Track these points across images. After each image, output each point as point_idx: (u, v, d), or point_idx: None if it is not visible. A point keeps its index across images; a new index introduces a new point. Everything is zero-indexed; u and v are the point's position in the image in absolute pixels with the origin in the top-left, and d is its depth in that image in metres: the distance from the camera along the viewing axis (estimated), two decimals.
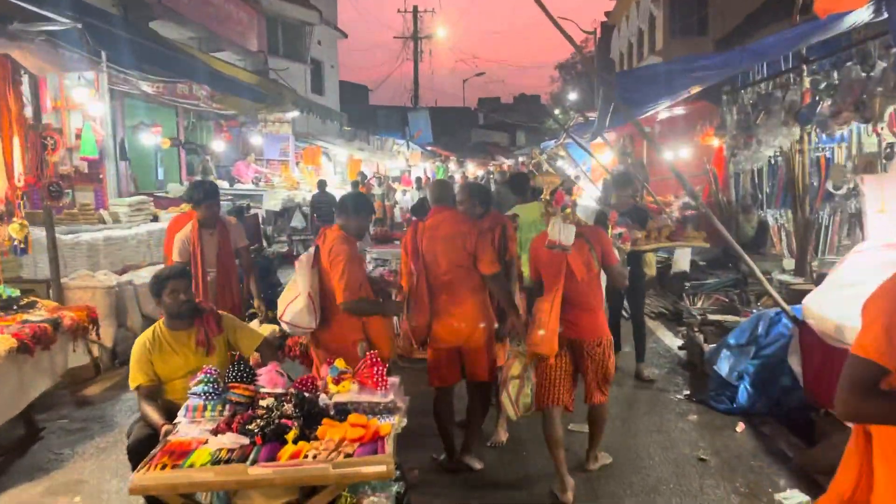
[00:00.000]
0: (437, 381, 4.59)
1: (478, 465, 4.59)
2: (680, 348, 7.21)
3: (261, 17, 18.42)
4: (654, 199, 10.10)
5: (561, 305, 4.17)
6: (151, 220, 9.66)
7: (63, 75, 9.41)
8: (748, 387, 5.36)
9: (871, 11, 4.83)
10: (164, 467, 2.90)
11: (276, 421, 3.15)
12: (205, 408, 3.43)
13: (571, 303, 4.24)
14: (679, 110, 12.02)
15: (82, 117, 9.63)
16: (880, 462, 1.97)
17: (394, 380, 3.61)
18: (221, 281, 5.37)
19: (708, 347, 6.23)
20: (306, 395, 3.39)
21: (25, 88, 6.15)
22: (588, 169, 17.03)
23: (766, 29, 13.49)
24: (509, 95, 61.61)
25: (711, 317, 6.79)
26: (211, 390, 3.42)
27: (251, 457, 2.94)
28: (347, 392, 3.44)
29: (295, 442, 3.05)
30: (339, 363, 3.57)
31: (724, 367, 5.57)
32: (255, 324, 4.87)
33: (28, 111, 6.12)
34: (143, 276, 7.83)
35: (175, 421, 3.42)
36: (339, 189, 16.49)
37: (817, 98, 7.11)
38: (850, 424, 2.17)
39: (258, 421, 3.17)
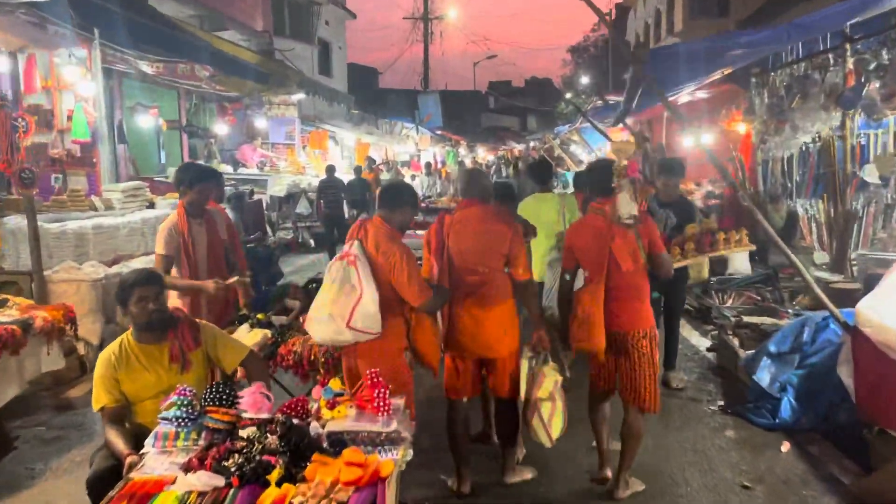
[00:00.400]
0: (453, 392, 4.13)
1: (528, 475, 4.20)
2: (709, 350, 6.69)
3: None
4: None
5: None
6: (147, 207, 9.17)
7: (52, 53, 8.91)
8: (792, 400, 4.83)
9: None
10: None
11: (258, 457, 2.65)
12: (177, 436, 2.93)
13: (614, 294, 3.91)
14: (702, 94, 11.40)
15: (74, 98, 9.12)
16: None
17: (398, 403, 3.11)
18: (214, 279, 4.85)
19: (743, 353, 5.70)
20: (295, 422, 2.89)
21: None
22: (603, 155, 16.48)
23: (795, 10, 12.84)
24: (520, 79, 60.70)
25: (746, 318, 6.25)
26: (184, 415, 2.93)
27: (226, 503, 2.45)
28: (343, 419, 2.94)
29: (279, 484, 2.55)
30: (335, 384, 3.07)
31: (764, 376, 5.04)
32: (244, 329, 4.37)
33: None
34: (136, 267, 7.37)
35: (142, 451, 2.93)
36: (346, 174, 15.94)
37: (863, 79, 6.55)
38: None
39: (236, 456, 2.68)
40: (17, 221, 6.84)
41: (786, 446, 4.56)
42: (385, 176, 20.44)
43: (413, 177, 22.94)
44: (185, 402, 2.96)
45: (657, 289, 5.16)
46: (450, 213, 4.13)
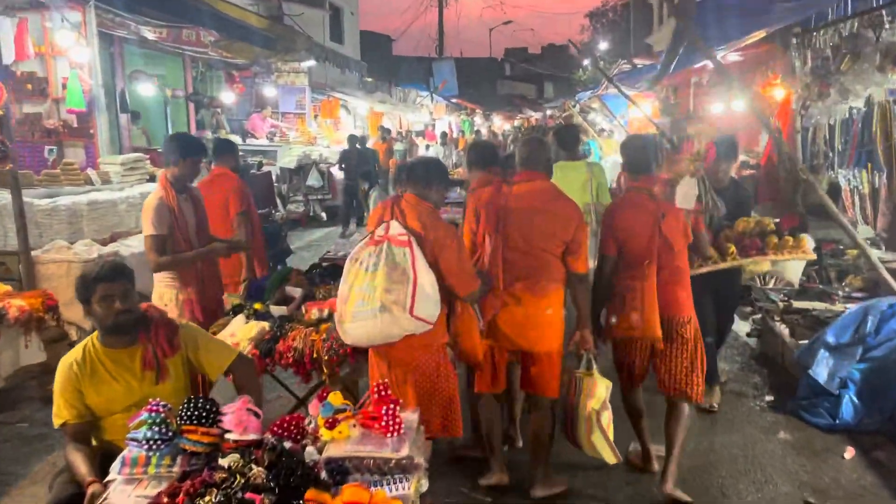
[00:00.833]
0: (486, 386, 3.71)
1: (560, 488, 3.74)
2: (749, 335, 6.15)
3: None
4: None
5: None
6: (147, 181, 8.68)
7: (44, 16, 8.38)
8: (854, 398, 4.31)
9: None
10: None
11: (239, 494, 2.17)
12: (147, 461, 2.45)
13: (661, 277, 3.63)
14: (734, 56, 10.69)
15: (69, 64, 8.59)
16: None
17: (410, 419, 2.62)
18: (203, 267, 4.36)
19: (794, 342, 5.16)
20: (288, 445, 2.41)
21: None
22: (625, 123, 15.79)
23: None
24: (537, 45, 59.45)
25: (797, 303, 5.68)
26: (157, 436, 2.44)
27: None
28: (345, 441, 2.46)
29: None
30: (335, 398, 2.58)
31: (821, 371, 4.50)
32: (239, 321, 3.89)
33: None
34: (133, 245, 6.90)
35: (107, 479, 2.47)
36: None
37: None
38: None
39: (214, 493, 2.20)
40: (4, 197, 6.38)
41: (850, 452, 4.04)
42: (399, 147, 19.84)
43: (427, 147, 22.32)
44: (158, 420, 2.47)
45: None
46: (506, 183, 3.71)
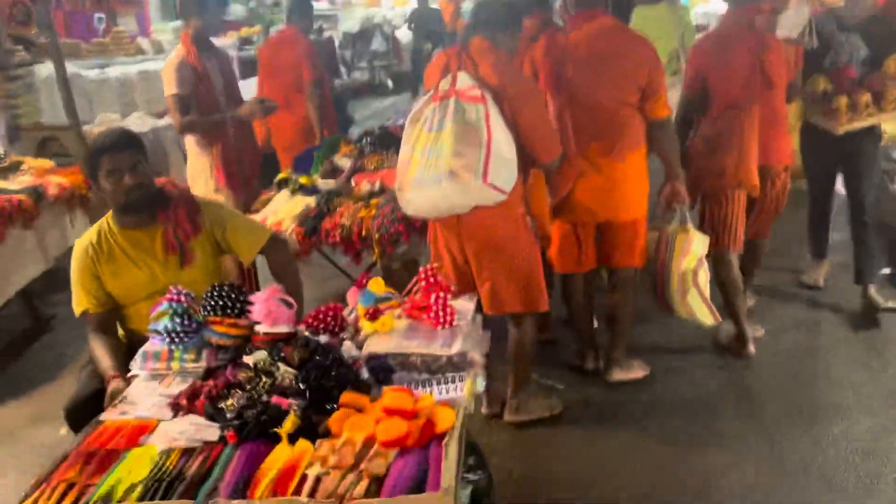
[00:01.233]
0: (568, 265, 3.32)
1: (640, 373, 3.43)
2: None
3: None
4: None
5: None
6: None
7: None
8: None
9: None
10: (64, 495, 1.70)
11: (264, 399, 1.87)
12: (170, 355, 2.20)
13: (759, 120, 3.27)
14: None
15: None
16: None
17: (465, 307, 2.25)
18: (234, 131, 4.03)
19: None
20: (323, 340, 2.09)
21: None
22: None
23: None
24: None
25: None
26: (179, 328, 2.17)
27: (213, 476, 1.70)
28: (389, 334, 2.12)
29: (292, 440, 1.78)
30: (376, 285, 2.22)
31: None
32: (283, 196, 3.56)
33: None
34: None
35: (130, 373, 2.22)
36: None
37: None
38: None
39: (237, 396, 1.91)
40: (50, 68, 6.11)
41: None
42: (467, 6, 18.64)
43: None
44: (180, 311, 2.19)
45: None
46: (559, 31, 3.19)
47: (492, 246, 2.80)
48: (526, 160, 2.78)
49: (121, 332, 2.54)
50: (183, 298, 2.20)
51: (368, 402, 1.88)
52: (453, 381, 2.00)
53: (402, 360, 2.06)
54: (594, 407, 3.25)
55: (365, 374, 2.01)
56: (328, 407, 1.85)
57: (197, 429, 1.85)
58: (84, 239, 2.47)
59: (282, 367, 1.93)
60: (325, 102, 5.17)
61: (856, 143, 3.63)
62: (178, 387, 2.11)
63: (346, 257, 3.41)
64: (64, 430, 2.29)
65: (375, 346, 2.08)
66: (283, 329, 2.15)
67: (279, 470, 1.67)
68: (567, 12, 3.24)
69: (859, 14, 3.65)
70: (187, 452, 1.79)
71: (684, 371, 3.45)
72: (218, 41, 8.13)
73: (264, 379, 1.92)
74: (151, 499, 1.63)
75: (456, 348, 2.04)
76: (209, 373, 2.12)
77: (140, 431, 1.90)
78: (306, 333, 2.12)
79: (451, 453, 1.68)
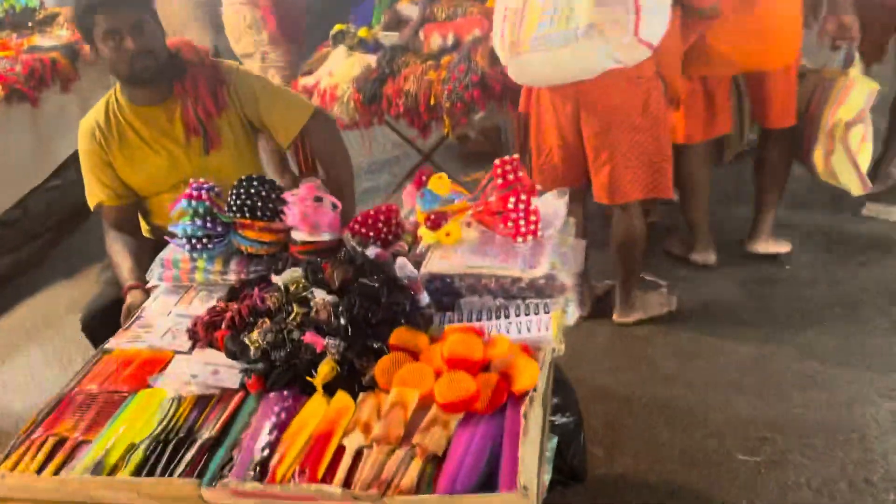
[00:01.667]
0: (698, 131, 2.72)
1: (785, 247, 2.92)
2: None
3: None
4: None
5: None
6: None
7: None
8: None
9: None
10: (53, 453, 1.38)
11: (295, 336, 1.47)
12: (193, 264, 1.82)
13: None
14: None
15: None
16: None
17: (554, 210, 1.76)
18: None
19: None
20: (373, 253, 1.65)
21: None
22: None
23: None
24: None
25: None
26: (200, 231, 1.78)
27: (226, 441, 1.34)
28: (455, 248, 1.66)
29: (330, 391, 1.40)
30: (439, 183, 1.73)
31: None
32: (339, 53, 3.02)
33: None
34: None
35: (148, 283, 1.87)
36: None
37: None
38: None
39: (263, 329, 1.52)
40: None
41: None
42: None
43: None
44: (202, 210, 1.79)
45: None
46: None
47: (617, 120, 2.26)
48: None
49: (145, 227, 2.18)
50: (204, 195, 1.79)
51: (427, 342, 1.46)
52: (536, 312, 1.55)
53: (472, 281, 1.61)
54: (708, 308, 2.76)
55: (424, 299, 1.58)
56: (375, 347, 1.45)
57: (214, 371, 1.49)
58: (89, 118, 2.05)
59: (317, 293, 1.51)
60: None
61: None
62: (201, 304, 1.76)
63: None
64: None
65: (438, 263, 1.63)
66: (325, 237, 1.74)
67: (311, 436, 1.31)
68: None
69: None
70: (202, 401, 1.44)
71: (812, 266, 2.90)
72: None
73: (296, 309, 1.51)
74: (154, 464, 1.30)
75: (541, 269, 1.57)
76: (240, 287, 1.73)
77: (151, 367, 1.57)
78: (353, 243, 1.69)
79: (531, 428, 1.27)
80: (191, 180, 1.81)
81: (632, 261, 2.58)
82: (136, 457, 1.31)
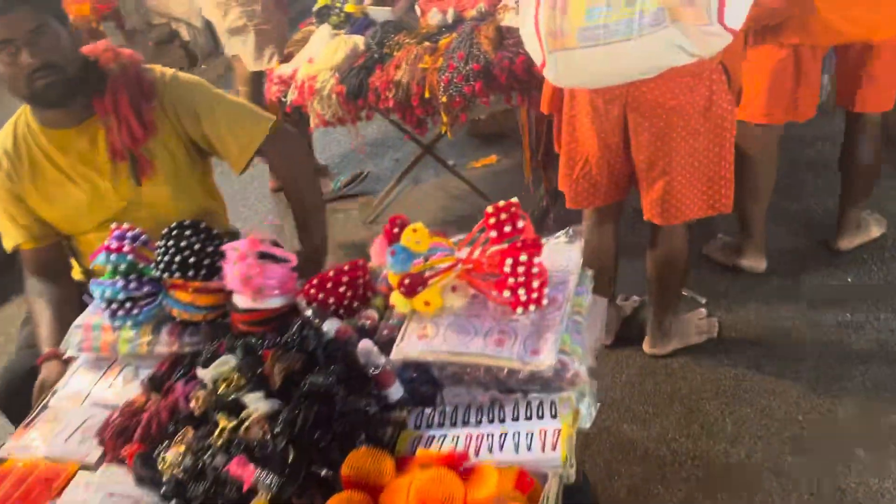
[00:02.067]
0: (775, 111, 2.24)
1: (876, 231, 2.55)
2: None
3: None
4: None
5: None
6: None
7: None
8: None
9: None
10: None
11: (216, 466, 1.11)
12: (117, 334, 1.47)
13: None
14: None
15: None
16: None
17: (564, 264, 1.36)
18: None
19: None
20: (328, 331, 1.27)
21: None
22: None
23: None
24: None
25: None
26: (121, 293, 1.41)
27: None
28: (436, 321, 1.28)
29: None
30: (414, 237, 1.32)
31: None
32: (322, 33, 2.59)
33: None
34: None
35: (64, 353, 1.52)
36: None
37: None
38: None
39: (183, 444, 1.16)
40: None
41: None
42: None
43: None
44: (124, 267, 1.43)
45: None
46: None
47: (675, 124, 1.80)
48: None
49: (78, 268, 1.82)
50: (127, 246, 1.43)
51: (391, 470, 1.10)
52: (540, 414, 1.18)
53: (457, 370, 1.24)
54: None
55: (396, 393, 1.22)
56: (321, 476, 1.09)
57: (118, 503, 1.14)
58: None
59: (250, 400, 1.15)
60: None
61: None
62: (125, 385, 1.41)
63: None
64: None
65: (414, 346, 1.26)
66: (273, 303, 1.37)
67: None
68: None
69: None
70: None
71: None
72: None
73: (223, 422, 1.15)
74: None
75: (547, 355, 1.19)
76: (168, 371, 1.38)
77: (47, 485, 1.23)
78: (307, 314, 1.32)
79: None
80: (112, 225, 1.44)
81: (671, 286, 2.18)
82: None
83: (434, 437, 1.17)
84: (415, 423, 1.21)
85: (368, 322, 1.35)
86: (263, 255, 1.37)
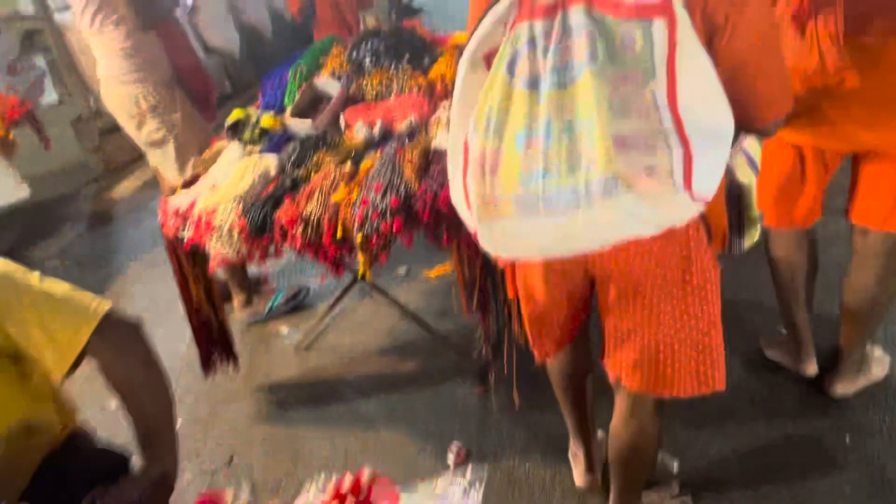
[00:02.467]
0: (782, 213, 2.06)
1: (880, 373, 2.26)
2: None
3: None
4: None
5: None
6: None
7: None
8: None
9: None
10: None
11: None
12: None
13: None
14: None
15: None
16: None
17: None
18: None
19: None
20: None
21: None
22: None
23: None
24: None
25: None
26: None
27: None
28: None
29: None
30: None
31: None
32: (232, 153, 2.27)
33: None
34: None
35: None
36: None
37: None
38: None
39: None
40: None
41: None
42: None
43: None
44: None
45: None
46: None
47: (649, 287, 1.44)
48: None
49: None
50: None
51: None
52: None
53: None
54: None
55: None
56: None
57: None
58: None
59: None
60: None
61: None
62: None
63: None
64: None
65: None
66: None
67: None
68: None
69: None
70: None
71: None
72: None
73: None
74: None
75: None
76: None
77: None
78: None
79: None
80: None
81: (636, 476, 1.79)
82: None
83: None
84: None
85: None
86: None
